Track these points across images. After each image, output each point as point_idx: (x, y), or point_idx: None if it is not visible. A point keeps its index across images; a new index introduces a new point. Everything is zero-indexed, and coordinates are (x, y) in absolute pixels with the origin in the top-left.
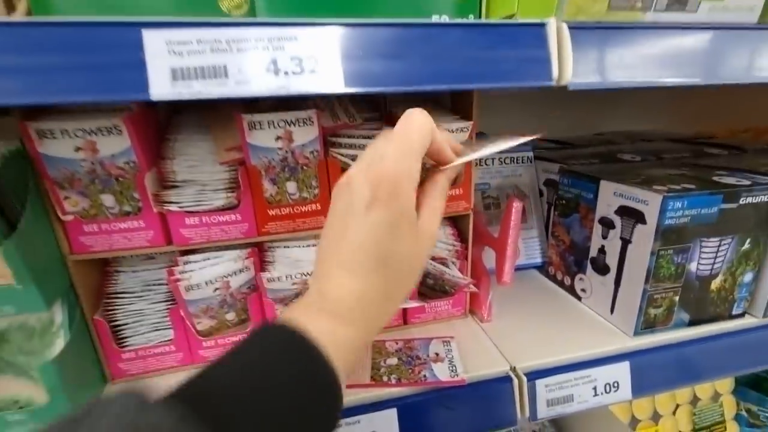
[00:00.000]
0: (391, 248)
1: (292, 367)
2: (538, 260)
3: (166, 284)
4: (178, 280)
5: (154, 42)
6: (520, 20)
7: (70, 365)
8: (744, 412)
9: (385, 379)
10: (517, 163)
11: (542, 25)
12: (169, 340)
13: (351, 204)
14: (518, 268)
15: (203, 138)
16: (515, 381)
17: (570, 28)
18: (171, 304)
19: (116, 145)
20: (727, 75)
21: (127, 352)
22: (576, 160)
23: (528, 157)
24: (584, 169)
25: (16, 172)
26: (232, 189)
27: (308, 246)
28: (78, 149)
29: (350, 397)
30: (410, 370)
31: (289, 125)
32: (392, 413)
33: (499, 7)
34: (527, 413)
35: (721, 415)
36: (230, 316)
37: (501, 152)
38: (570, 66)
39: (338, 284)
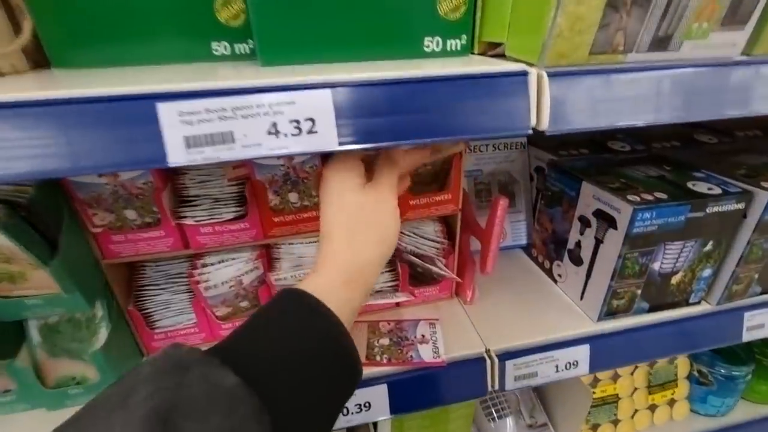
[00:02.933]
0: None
1: (317, 332)
2: (524, 241)
3: (187, 277)
4: (198, 282)
5: (167, 114)
6: (503, 68)
7: (114, 348)
8: (696, 373)
9: (378, 358)
10: (510, 149)
11: (524, 74)
12: (193, 324)
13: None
14: (505, 248)
15: None
16: (488, 362)
17: (549, 75)
18: (192, 294)
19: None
20: (709, 111)
21: (158, 334)
22: (566, 148)
23: (521, 143)
24: (571, 164)
25: (48, 196)
26: (240, 202)
27: (310, 243)
28: (101, 175)
29: None
30: (399, 351)
31: None
32: (383, 388)
33: (490, 32)
34: (497, 387)
35: (675, 375)
36: (244, 304)
37: (495, 138)
38: (547, 114)
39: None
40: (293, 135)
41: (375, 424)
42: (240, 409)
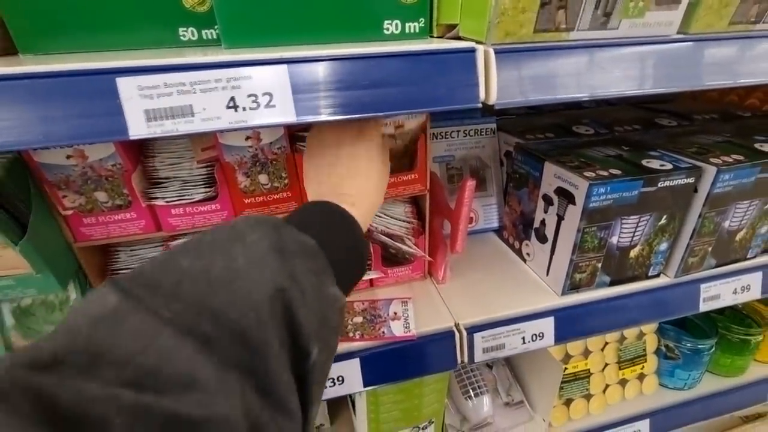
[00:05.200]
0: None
1: (352, 224)
2: (495, 224)
3: None
4: None
5: (127, 88)
6: (452, 46)
7: None
8: (663, 347)
9: (351, 335)
10: (480, 134)
11: (472, 51)
12: None
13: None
14: (477, 232)
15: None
16: (457, 335)
17: (496, 52)
18: None
19: (102, 151)
20: (645, 86)
21: None
22: (533, 133)
23: (491, 129)
24: (536, 146)
25: (17, 178)
26: (210, 183)
27: None
28: (69, 156)
29: None
30: (372, 327)
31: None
32: (356, 362)
33: (446, 14)
34: (466, 359)
35: (644, 350)
36: None
37: (466, 124)
38: (495, 88)
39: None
40: (251, 109)
41: (353, 400)
42: (319, 259)
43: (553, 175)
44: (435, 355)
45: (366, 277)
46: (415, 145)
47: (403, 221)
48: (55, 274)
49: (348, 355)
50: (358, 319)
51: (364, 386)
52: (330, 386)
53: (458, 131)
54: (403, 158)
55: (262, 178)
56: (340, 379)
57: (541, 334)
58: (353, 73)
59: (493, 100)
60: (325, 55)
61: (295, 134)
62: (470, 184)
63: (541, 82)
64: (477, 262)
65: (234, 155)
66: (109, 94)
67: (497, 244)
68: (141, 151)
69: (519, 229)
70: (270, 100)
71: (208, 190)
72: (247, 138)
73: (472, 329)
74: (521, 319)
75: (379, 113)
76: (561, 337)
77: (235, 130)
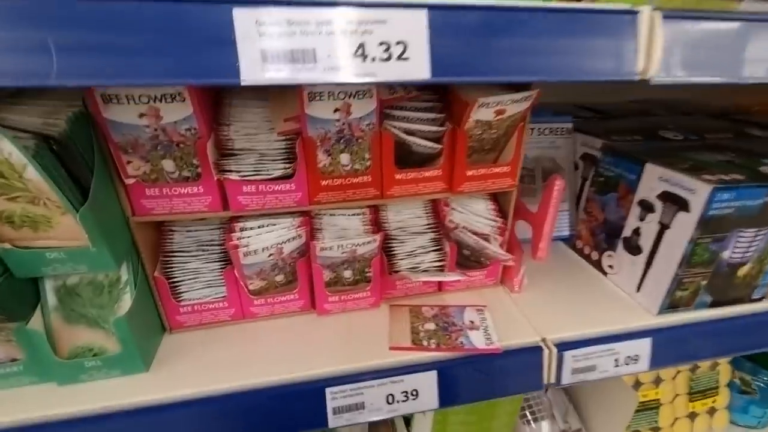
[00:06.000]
0: None
1: None
2: (566, 233)
3: (219, 245)
4: (237, 246)
5: (244, 22)
6: (612, 6)
7: (137, 318)
8: (737, 380)
9: (425, 343)
10: (555, 134)
11: (635, 13)
12: (222, 297)
13: None
14: None
15: (259, 104)
16: (546, 351)
17: (664, 16)
18: (224, 264)
19: (179, 112)
20: None
21: (184, 307)
22: (618, 135)
23: (567, 129)
24: (628, 148)
25: (81, 135)
26: (289, 159)
27: (353, 215)
28: (142, 115)
29: (394, 359)
30: (447, 336)
31: (349, 97)
32: (432, 375)
33: None
34: (553, 380)
35: (716, 382)
36: (279, 278)
37: (540, 121)
38: (658, 60)
39: None
40: (381, 60)
41: (406, 417)
42: None
43: (657, 179)
44: (519, 373)
45: (445, 279)
46: (508, 136)
47: (487, 219)
48: (110, 250)
49: (423, 367)
50: (430, 326)
51: (441, 404)
52: (402, 401)
53: (532, 129)
54: (491, 151)
55: (344, 158)
56: (414, 393)
57: (635, 357)
58: (497, 27)
59: (653, 72)
60: (471, 4)
61: (386, 111)
62: (559, 183)
63: (709, 57)
64: (549, 272)
65: (318, 129)
66: (223, 27)
67: (568, 254)
68: (215, 118)
69: (599, 238)
70: (403, 52)
71: (287, 166)
72: (336, 110)
73: (563, 346)
74: (614, 339)
75: (524, 77)
76: (657, 362)
77: (359, 84)
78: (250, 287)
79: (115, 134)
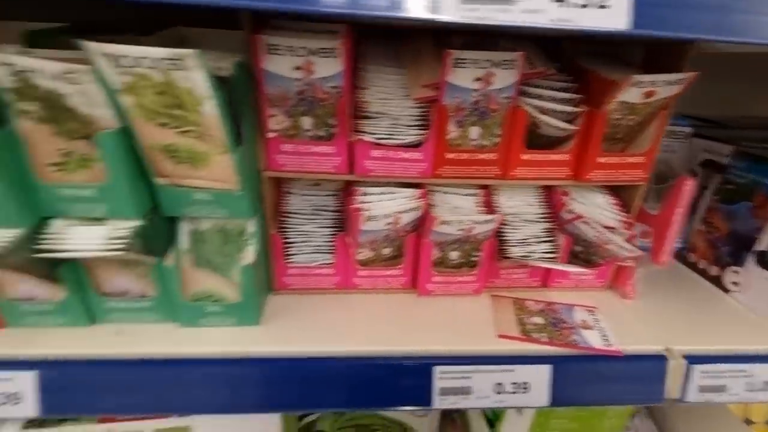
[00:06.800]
0: None
1: None
2: (678, 244)
3: (333, 211)
4: (359, 210)
5: None
6: None
7: (257, 271)
8: None
9: (535, 335)
10: (672, 137)
11: None
12: (329, 263)
13: None
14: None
15: (394, 70)
16: (671, 362)
17: None
18: (335, 230)
19: (331, 68)
20: None
21: (293, 268)
22: (750, 142)
23: (684, 133)
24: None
25: (241, 84)
26: (420, 127)
27: (467, 195)
28: (297, 68)
29: (504, 347)
30: (558, 332)
31: (494, 66)
32: (546, 369)
33: None
34: (677, 395)
35: None
36: (386, 250)
37: None
38: None
39: None
40: (578, 6)
41: (489, 418)
42: None
43: None
44: (639, 382)
45: (573, 270)
46: (643, 125)
47: (611, 213)
48: (250, 198)
49: (536, 359)
50: (538, 320)
51: (551, 402)
52: (510, 392)
53: None
54: (620, 142)
55: (473, 132)
56: (525, 386)
57: None
58: None
59: None
60: None
61: (523, 88)
62: (689, 184)
63: None
64: (661, 284)
65: (455, 98)
66: None
67: (678, 268)
68: (354, 80)
69: (722, 251)
70: None
71: (419, 133)
72: (478, 79)
73: (692, 359)
74: (750, 360)
75: (742, 39)
76: None
77: (554, 30)
78: (359, 257)
79: (269, 85)
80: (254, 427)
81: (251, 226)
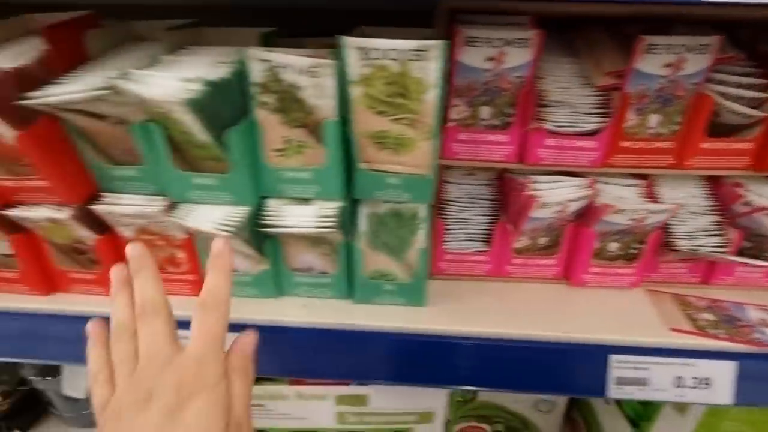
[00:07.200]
0: None
1: None
2: None
3: (488, 200)
4: (532, 197)
5: None
6: None
7: (427, 254)
8: None
9: (710, 331)
10: None
11: None
12: (482, 251)
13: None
14: None
15: (570, 60)
16: None
17: None
18: (490, 218)
19: (520, 58)
20: None
21: (449, 254)
22: None
23: None
24: None
25: None
26: (601, 114)
27: (631, 186)
28: (489, 59)
29: (680, 340)
30: (736, 330)
31: (687, 51)
32: (731, 366)
33: None
34: None
35: None
36: (543, 240)
37: None
38: None
39: None
40: None
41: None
42: None
43: None
44: None
45: (748, 261)
46: None
47: None
48: (434, 182)
49: (719, 355)
50: (709, 316)
51: (735, 401)
52: (691, 387)
53: None
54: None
55: (652, 119)
56: (706, 382)
57: None
58: None
59: None
60: None
61: (711, 76)
62: None
63: None
64: None
65: (641, 85)
66: None
67: None
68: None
69: None
70: None
71: (599, 121)
72: (668, 65)
73: None
74: None
75: None
76: None
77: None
78: (516, 245)
79: (459, 77)
80: (423, 402)
81: (422, 211)
